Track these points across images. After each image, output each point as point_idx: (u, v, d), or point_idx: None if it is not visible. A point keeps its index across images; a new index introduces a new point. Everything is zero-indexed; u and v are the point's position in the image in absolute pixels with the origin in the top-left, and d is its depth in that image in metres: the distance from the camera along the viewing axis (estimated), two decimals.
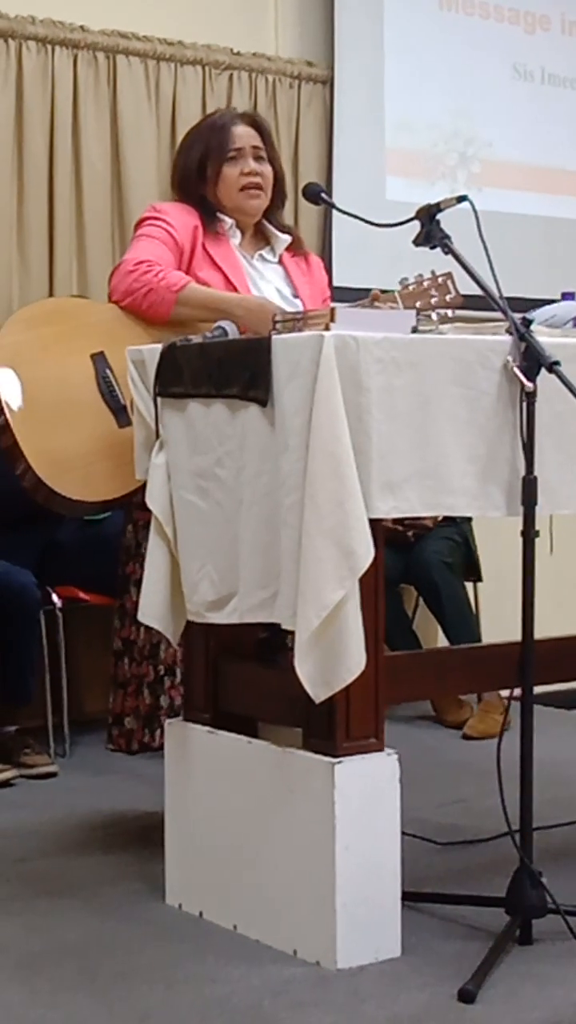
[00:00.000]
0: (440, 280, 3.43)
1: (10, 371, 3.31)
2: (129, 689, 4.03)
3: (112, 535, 4.22)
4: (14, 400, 3.28)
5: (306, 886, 2.69)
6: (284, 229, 3.63)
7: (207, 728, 2.98)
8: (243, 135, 3.54)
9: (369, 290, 3.51)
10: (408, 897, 2.79)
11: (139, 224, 3.54)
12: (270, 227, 3.61)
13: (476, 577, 5.07)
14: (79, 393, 3.33)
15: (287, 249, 3.62)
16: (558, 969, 2.65)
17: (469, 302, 3.29)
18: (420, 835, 3.30)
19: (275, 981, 2.62)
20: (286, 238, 3.61)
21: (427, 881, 3.07)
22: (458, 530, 4.97)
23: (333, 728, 2.66)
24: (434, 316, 3.37)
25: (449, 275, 3.40)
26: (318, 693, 2.57)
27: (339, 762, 2.64)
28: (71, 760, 4.30)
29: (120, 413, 3.33)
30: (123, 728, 4.10)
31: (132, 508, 3.46)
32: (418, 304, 3.41)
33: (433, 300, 3.41)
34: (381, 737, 2.72)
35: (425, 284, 3.43)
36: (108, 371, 3.36)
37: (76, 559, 4.49)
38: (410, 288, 3.45)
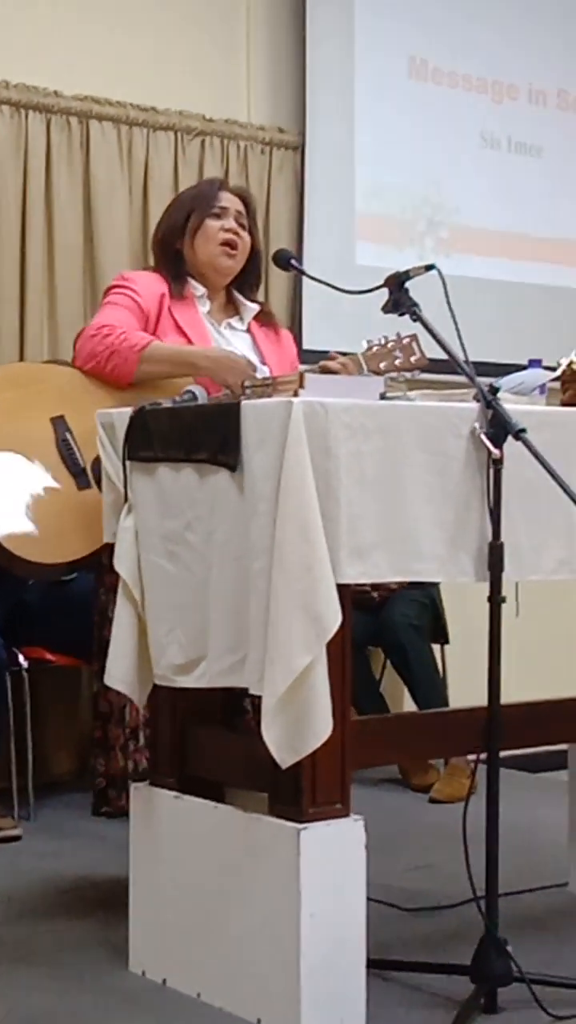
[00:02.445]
0: (405, 341, 3.47)
1: None
2: (111, 753, 4.01)
3: (79, 596, 4.22)
4: None
5: (271, 953, 2.67)
6: (254, 301, 3.69)
7: (173, 793, 2.97)
8: (230, 200, 3.64)
9: (340, 353, 3.55)
10: (374, 965, 2.78)
11: (107, 292, 3.60)
12: (239, 296, 3.66)
13: (444, 639, 5.08)
14: (39, 456, 3.36)
15: (256, 319, 3.67)
16: None
17: (438, 366, 3.32)
18: (386, 901, 3.29)
19: None
20: (254, 306, 3.66)
21: (393, 947, 3.05)
22: (425, 592, 4.98)
23: (299, 793, 2.65)
24: (399, 377, 3.41)
25: (413, 337, 3.45)
26: (284, 759, 2.56)
27: (305, 828, 2.63)
28: (36, 823, 4.26)
29: (80, 476, 3.36)
30: (118, 790, 4.07)
31: (104, 571, 3.46)
32: (382, 365, 3.45)
33: (397, 361, 3.45)
34: (347, 802, 2.71)
35: (389, 345, 3.47)
36: (68, 434, 3.39)
37: (43, 619, 4.48)
38: (374, 350, 3.48)
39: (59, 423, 3.40)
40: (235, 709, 3.24)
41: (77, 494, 3.32)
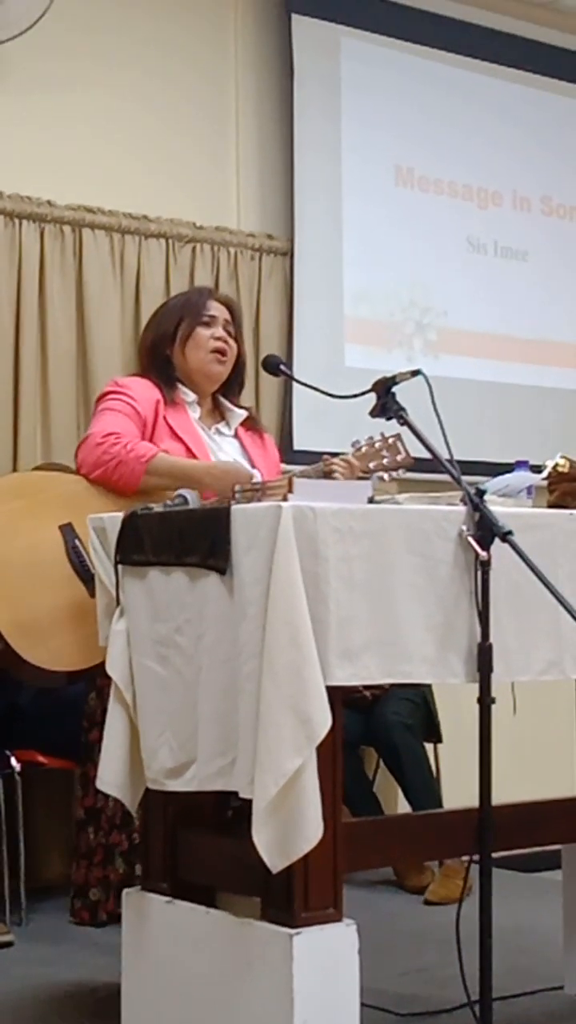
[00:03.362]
0: (390, 441, 3.54)
1: None
2: (95, 859, 3.99)
3: (72, 699, 4.22)
4: None
5: None
6: (240, 406, 3.76)
7: (165, 898, 2.95)
8: (218, 308, 3.73)
9: (329, 454, 3.60)
10: None
11: (101, 398, 3.64)
12: (226, 402, 3.73)
13: (436, 738, 5.06)
14: (50, 564, 3.37)
15: (242, 424, 3.73)
16: None
17: (426, 465, 3.37)
18: (380, 1006, 3.25)
19: None
20: (242, 413, 3.74)
21: None
22: (418, 691, 4.97)
23: (291, 898, 2.64)
24: (386, 477, 3.47)
25: (398, 436, 3.51)
26: (275, 863, 2.56)
27: (297, 933, 2.62)
28: (28, 929, 4.22)
29: (91, 582, 3.36)
30: (87, 900, 4.06)
31: (95, 675, 3.47)
32: (371, 465, 3.51)
33: (385, 461, 3.51)
34: (340, 907, 2.70)
35: (376, 445, 3.53)
36: (77, 541, 3.41)
37: (36, 722, 4.46)
38: (362, 450, 3.54)
39: (67, 530, 3.42)
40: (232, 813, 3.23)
41: (89, 600, 3.33)
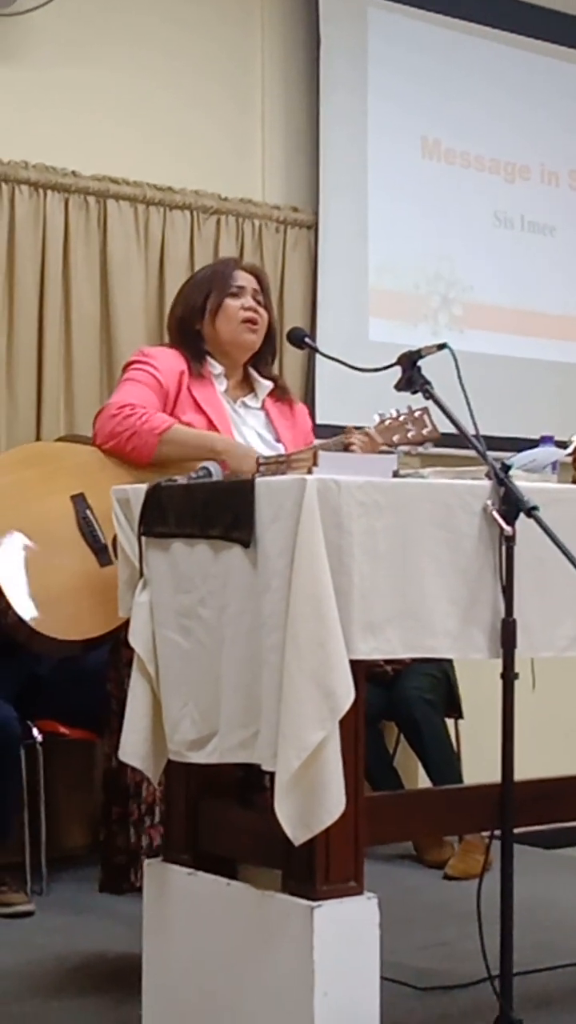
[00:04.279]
0: (417, 415, 3.51)
1: None
2: (121, 828, 4.00)
3: (93, 669, 4.22)
4: None
5: None
6: (268, 377, 3.73)
7: (186, 869, 2.96)
8: (246, 278, 3.71)
9: (354, 428, 3.58)
10: None
11: (126, 367, 3.63)
12: (255, 374, 3.71)
13: (457, 714, 5.06)
14: (60, 534, 3.37)
15: (271, 395, 3.71)
16: None
17: (450, 440, 3.35)
18: (399, 979, 3.25)
19: None
20: (268, 384, 3.71)
21: None
22: (439, 666, 4.97)
23: (312, 871, 2.65)
24: (412, 450, 3.44)
25: (425, 410, 3.48)
26: (297, 835, 2.56)
27: (318, 906, 2.62)
28: (48, 898, 4.24)
29: (101, 553, 3.37)
30: (123, 868, 4.07)
31: (119, 646, 3.47)
32: (395, 438, 3.48)
33: (410, 434, 3.48)
34: (361, 880, 2.71)
35: (401, 418, 3.51)
36: (88, 512, 3.41)
37: (57, 693, 4.47)
38: (386, 423, 3.52)
39: (79, 501, 3.42)
40: (254, 785, 3.24)
41: (99, 571, 3.33)
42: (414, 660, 4.89)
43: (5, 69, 4.79)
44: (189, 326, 3.66)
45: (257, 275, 3.76)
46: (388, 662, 4.91)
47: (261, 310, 3.68)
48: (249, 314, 3.65)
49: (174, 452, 3.41)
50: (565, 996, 3.33)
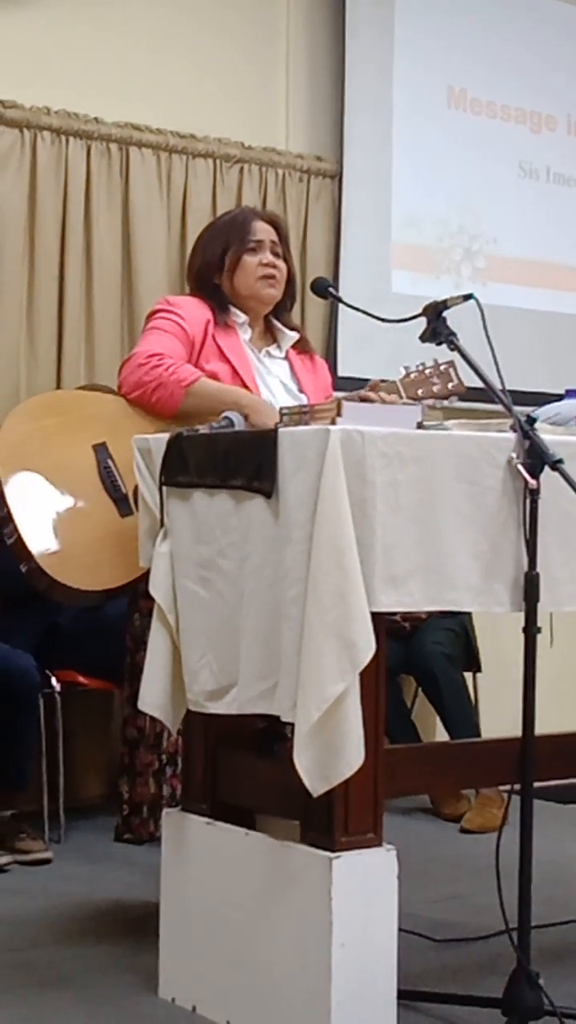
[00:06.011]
0: (442, 368, 3.48)
1: (13, 463, 3.33)
2: (144, 777, 4.03)
3: (113, 620, 4.23)
4: (17, 492, 3.30)
5: (301, 982, 2.66)
6: (292, 327, 3.69)
7: (205, 819, 2.96)
8: (263, 230, 3.63)
9: (380, 380, 3.55)
10: (404, 995, 2.76)
11: (151, 316, 3.58)
12: (278, 324, 3.67)
13: (476, 668, 5.06)
14: (81, 483, 3.35)
15: (293, 347, 3.68)
16: None
17: (475, 395, 3.32)
18: (416, 931, 3.27)
19: None
20: (293, 335, 3.67)
21: (423, 979, 3.04)
22: (457, 620, 4.97)
23: (331, 822, 2.64)
24: (437, 403, 3.41)
25: (451, 363, 3.45)
26: (316, 787, 2.56)
27: (337, 857, 2.62)
28: (65, 846, 4.27)
29: (121, 503, 3.35)
30: (143, 817, 4.10)
31: (138, 596, 3.46)
32: (420, 392, 3.45)
33: (435, 388, 3.45)
34: (379, 832, 2.70)
35: (427, 372, 3.47)
36: (110, 461, 3.39)
37: (76, 643, 4.48)
38: (412, 376, 3.49)
39: (101, 450, 3.40)
40: (275, 735, 3.23)
41: (119, 521, 3.32)
42: (432, 614, 4.88)
43: (28, 14, 4.74)
44: (208, 279, 3.62)
45: (275, 224, 3.69)
46: (405, 618, 4.91)
47: (280, 263, 3.62)
48: (268, 270, 3.59)
49: (200, 405, 3.37)
50: None
